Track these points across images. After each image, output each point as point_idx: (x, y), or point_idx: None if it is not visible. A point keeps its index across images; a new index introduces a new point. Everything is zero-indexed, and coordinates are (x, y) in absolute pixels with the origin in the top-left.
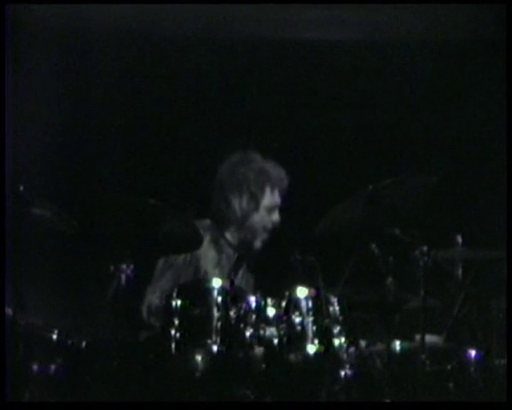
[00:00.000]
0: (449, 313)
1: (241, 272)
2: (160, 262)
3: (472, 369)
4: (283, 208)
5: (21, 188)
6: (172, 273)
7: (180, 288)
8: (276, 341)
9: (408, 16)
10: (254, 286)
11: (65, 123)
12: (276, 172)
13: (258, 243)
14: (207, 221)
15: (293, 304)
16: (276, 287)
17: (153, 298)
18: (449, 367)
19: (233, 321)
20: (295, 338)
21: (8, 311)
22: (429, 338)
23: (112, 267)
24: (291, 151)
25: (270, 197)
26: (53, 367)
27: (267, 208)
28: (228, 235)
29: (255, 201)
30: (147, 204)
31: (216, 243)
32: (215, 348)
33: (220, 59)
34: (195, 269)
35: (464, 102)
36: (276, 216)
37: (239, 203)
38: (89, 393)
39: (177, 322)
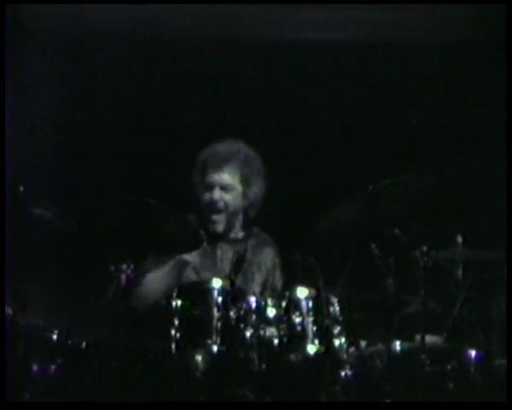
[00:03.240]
0: (449, 313)
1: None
2: (147, 263)
3: (472, 369)
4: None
5: (21, 188)
6: (158, 274)
7: (180, 288)
8: (276, 341)
9: (408, 16)
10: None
11: (65, 123)
12: (217, 149)
13: (211, 226)
14: (191, 217)
15: (294, 304)
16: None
17: (137, 299)
18: (449, 367)
19: (233, 321)
20: (295, 338)
21: (8, 311)
22: (429, 338)
23: (112, 267)
24: (291, 151)
25: (205, 177)
26: (53, 367)
27: (204, 187)
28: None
29: (194, 182)
30: (147, 204)
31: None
32: (215, 348)
33: (220, 59)
34: (179, 268)
35: (464, 102)
36: (214, 193)
37: (194, 189)
38: (89, 393)
39: (177, 322)
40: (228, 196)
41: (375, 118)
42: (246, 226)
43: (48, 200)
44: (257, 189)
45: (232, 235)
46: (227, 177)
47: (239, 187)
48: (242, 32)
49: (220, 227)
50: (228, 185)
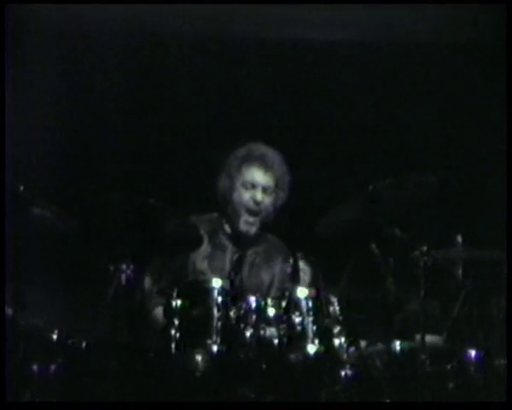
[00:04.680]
0: (449, 313)
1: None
2: (159, 261)
3: (472, 369)
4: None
5: (21, 188)
6: (170, 271)
7: (180, 288)
8: (276, 341)
9: (408, 16)
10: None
11: (65, 123)
12: (258, 151)
13: (244, 226)
14: (214, 215)
15: (294, 304)
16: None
17: (154, 298)
18: (449, 367)
19: (233, 321)
20: (295, 338)
21: (8, 311)
22: (429, 338)
23: (112, 267)
24: (291, 151)
25: (246, 175)
26: (53, 367)
27: (244, 185)
28: (226, 226)
29: (231, 180)
30: (147, 204)
31: (213, 236)
32: (215, 348)
33: (220, 59)
34: (192, 265)
35: (464, 102)
36: (257, 194)
37: (220, 185)
38: (89, 393)
39: (177, 322)
40: (267, 199)
41: (375, 118)
42: (261, 230)
43: (48, 200)
44: (284, 195)
45: (251, 239)
46: (270, 180)
47: (275, 192)
48: (242, 32)
49: (253, 230)
50: (269, 188)
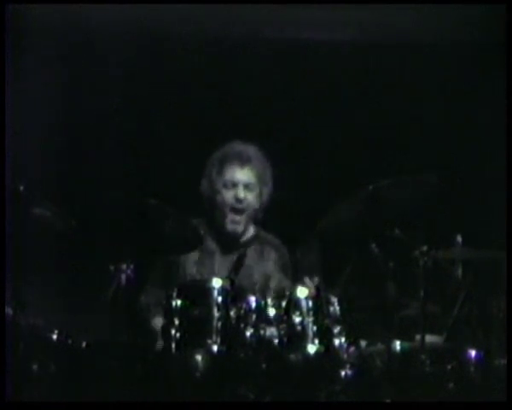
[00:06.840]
0: (449, 313)
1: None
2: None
3: (472, 369)
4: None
5: (21, 188)
6: (158, 274)
7: (180, 288)
8: (276, 341)
9: (408, 16)
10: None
11: (65, 123)
12: (234, 149)
13: (230, 226)
14: (199, 220)
15: (294, 304)
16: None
17: (142, 298)
18: (449, 367)
19: (233, 321)
20: (295, 338)
21: (8, 311)
22: (429, 338)
23: (112, 267)
24: (291, 151)
25: (226, 174)
26: (53, 367)
27: (225, 185)
28: (212, 230)
29: (212, 182)
30: (147, 204)
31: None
32: (215, 348)
33: (220, 59)
34: (178, 269)
35: (464, 102)
36: (239, 192)
37: (203, 189)
38: (89, 393)
39: (177, 322)
40: (250, 196)
41: (375, 118)
42: (253, 229)
43: (48, 200)
44: (268, 190)
45: (239, 239)
46: (251, 175)
47: (258, 187)
48: (242, 32)
49: (240, 228)
50: (251, 184)
